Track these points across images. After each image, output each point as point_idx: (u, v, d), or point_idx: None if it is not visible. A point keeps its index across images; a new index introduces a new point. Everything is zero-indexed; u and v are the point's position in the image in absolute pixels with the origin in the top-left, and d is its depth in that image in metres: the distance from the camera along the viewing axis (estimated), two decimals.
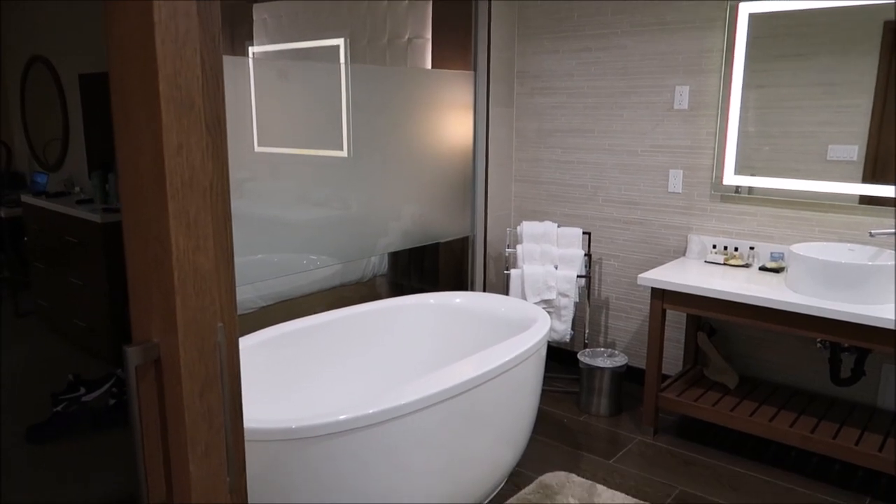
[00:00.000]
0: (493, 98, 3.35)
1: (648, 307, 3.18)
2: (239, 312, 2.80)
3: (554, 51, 3.29)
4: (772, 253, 2.78)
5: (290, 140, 2.72)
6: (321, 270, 3.20)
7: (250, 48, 3.39)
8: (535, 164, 3.45)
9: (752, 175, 2.79)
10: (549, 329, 2.39)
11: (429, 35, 3.49)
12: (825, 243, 2.57)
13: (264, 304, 3.07)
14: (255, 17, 3.59)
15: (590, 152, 3.26)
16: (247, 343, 2.20)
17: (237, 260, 2.57)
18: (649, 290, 2.68)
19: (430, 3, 3.44)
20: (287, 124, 2.68)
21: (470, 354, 2.73)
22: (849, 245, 2.55)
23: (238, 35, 3.36)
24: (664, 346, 2.84)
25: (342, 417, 1.68)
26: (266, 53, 3.47)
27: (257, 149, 2.70)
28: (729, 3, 2.74)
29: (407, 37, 3.50)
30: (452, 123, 3.29)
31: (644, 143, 3.08)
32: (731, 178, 2.85)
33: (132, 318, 0.66)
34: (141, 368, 0.64)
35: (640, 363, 3.26)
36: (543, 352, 2.39)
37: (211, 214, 0.65)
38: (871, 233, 2.40)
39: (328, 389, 2.48)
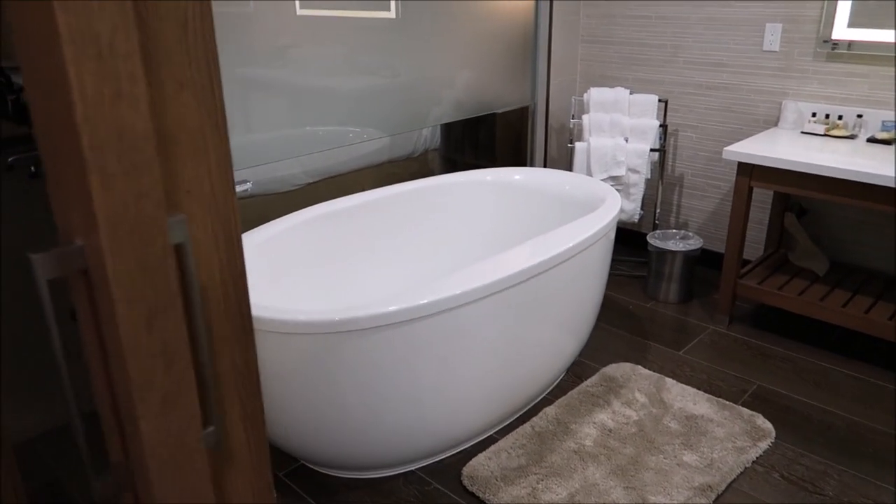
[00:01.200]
0: None
1: (730, 185, 2.85)
2: (283, 189, 2.63)
3: None
4: (884, 122, 2.38)
5: (333, 1, 2.43)
6: (368, 145, 2.97)
7: None
8: (607, 21, 3.03)
9: (870, 28, 2.34)
10: (618, 210, 2.13)
11: None
12: None
13: (310, 181, 2.88)
14: None
15: (671, 4, 2.81)
16: (287, 224, 2.03)
17: (280, 133, 2.35)
18: (733, 166, 2.36)
19: None
20: None
21: (530, 237, 2.50)
22: None
23: None
24: (746, 228, 2.55)
25: (392, 308, 1.51)
26: None
27: (299, 12, 2.42)
28: None
29: None
30: None
31: None
32: (842, 30, 2.40)
33: (53, 208, 0.45)
34: (71, 283, 0.45)
35: (715, 246, 2.98)
36: (612, 235, 2.15)
37: (149, 39, 0.42)
38: None
39: (375, 274, 2.32)
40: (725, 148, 2.30)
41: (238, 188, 1.60)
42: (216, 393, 0.51)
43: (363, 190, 2.95)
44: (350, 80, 2.57)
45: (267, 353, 1.52)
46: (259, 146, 2.31)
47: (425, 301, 1.54)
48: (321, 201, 2.64)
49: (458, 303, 1.60)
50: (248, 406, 0.56)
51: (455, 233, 2.50)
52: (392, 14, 2.70)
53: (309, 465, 1.83)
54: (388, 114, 2.68)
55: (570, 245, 1.86)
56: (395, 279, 2.38)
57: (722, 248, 2.96)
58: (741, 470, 1.79)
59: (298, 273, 2.07)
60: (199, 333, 0.47)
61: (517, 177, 2.51)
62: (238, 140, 2.21)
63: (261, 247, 1.91)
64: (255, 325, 1.48)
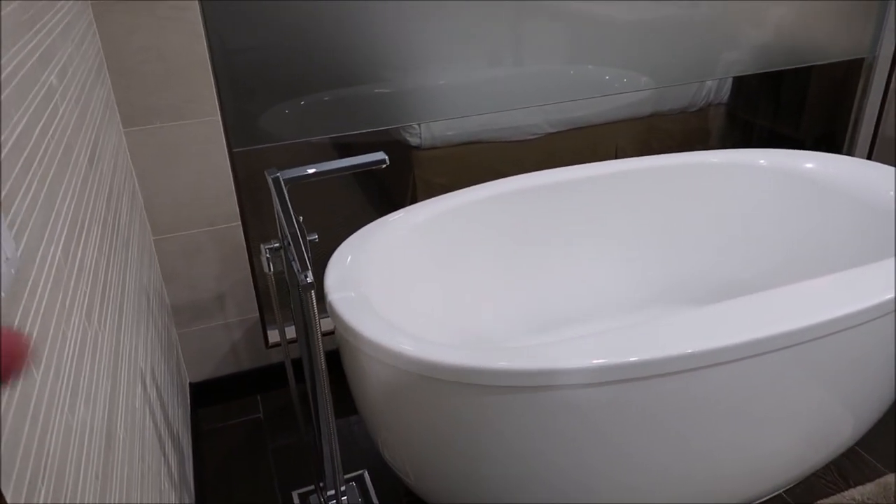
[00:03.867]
0: None
1: None
2: (518, 137, 2.22)
3: None
4: None
5: None
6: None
7: None
8: None
9: None
10: None
11: None
12: None
13: (552, 130, 2.41)
14: None
15: None
16: (462, 200, 1.62)
17: (516, 71, 1.93)
18: None
19: None
20: None
21: (808, 262, 1.76)
22: None
23: None
24: None
25: (595, 363, 1.04)
26: None
27: None
28: None
29: None
30: None
31: None
32: None
33: None
34: None
35: None
36: None
37: None
38: None
39: (569, 279, 1.81)
40: None
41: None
42: None
43: (616, 148, 2.39)
44: (630, 6, 2.02)
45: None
46: (493, 88, 1.91)
47: (640, 358, 1.04)
48: (564, 154, 2.16)
49: (692, 365, 1.06)
50: None
51: (691, 238, 1.86)
52: None
53: None
54: (667, 55, 2.07)
55: (872, 304, 1.16)
56: (595, 291, 1.85)
57: None
58: None
59: (467, 270, 1.67)
60: None
61: (809, 165, 1.74)
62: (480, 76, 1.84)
63: (422, 229, 1.55)
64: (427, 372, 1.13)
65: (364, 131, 1.76)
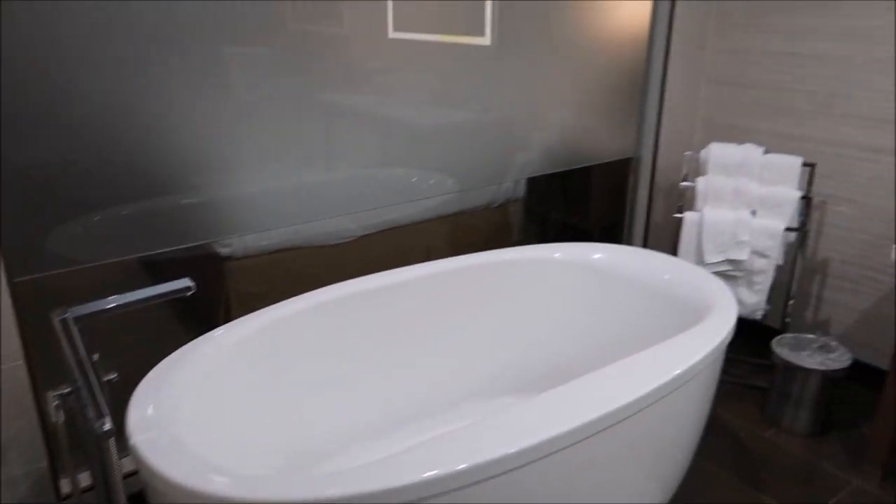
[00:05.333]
0: None
1: (892, 280, 2.14)
2: (329, 242, 2.23)
3: None
4: None
5: (427, 24, 2.07)
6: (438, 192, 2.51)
7: None
8: (741, 58, 2.40)
9: None
10: (733, 323, 1.53)
11: None
12: None
13: (364, 233, 2.45)
14: None
15: (828, 38, 2.15)
16: (280, 313, 1.59)
17: (327, 177, 1.95)
18: None
19: None
20: (425, 3, 2.03)
21: (603, 345, 1.94)
22: None
23: None
24: None
25: (424, 476, 1.02)
26: None
27: (392, 34, 2.06)
28: None
29: None
30: None
31: None
32: None
33: None
34: None
35: (869, 357, 2.25)
36: (721, 357, 1.55)
37: None
38: None
39: (386, 387, 1.83)
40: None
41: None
42: None
43: (427, 247, 2.49)
44: (432, 113, 2.16)
45: None
46: (310, 196, 1.91)
47: (452, 469, 1.04)
48: (377, 256, 2.20)
49: (503, 468, 1.09)
50: None
51: (503, 335, 1.98)
52: (487, 40, 2.26)
53: None
54: (469, 159, 2.22)
55: (666, 380, 1.30)
56: (423, 389, 1.89)
57: (879, 362, 2.23)
58: None
59: (289, 384, 1.62)
60: None
61: (597, 256, 1.95)
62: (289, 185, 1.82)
63: (240, 347, 1.48)
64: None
65: (168, 249, 1.67)
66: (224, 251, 1.95)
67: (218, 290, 2.00)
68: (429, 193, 2.27)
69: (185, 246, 1.71)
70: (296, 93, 1.81)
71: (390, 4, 1.95)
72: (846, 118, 2.16)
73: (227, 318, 1.90)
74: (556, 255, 1.95)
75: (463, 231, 2.58)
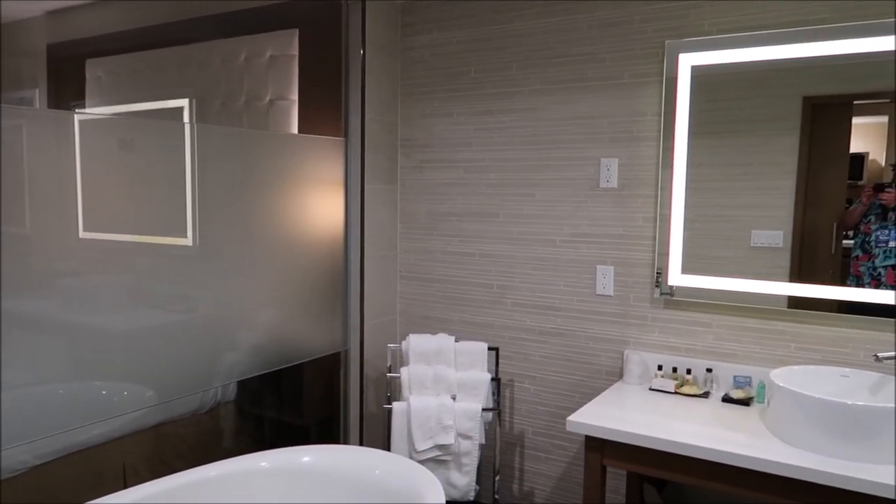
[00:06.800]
0: (371, 172, 2.59)
1: (578, 446, 2.40)
2: None
3: (447, 114, 2.59)
4: (735, 377, 2.09)
5: (123, 224, 1.94)
6: (134, 404, 2.25)
7: (76, 110, 2.54)
8: (426, 257, 2.68)
9: (705, 275, 2.12)
10: None
11: (295, 96, 2.73)
12: (809, 367, 1.90)
13: (39, 463, 2.05)
14: (88, 75, 2.72)
15: (494, 241, 2.52)
16: None
17: (12, 393, 1.64)
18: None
19: (296, 57, 2.70)
20: (120, 202, 1.91)
21: None
22: (841, 370, 1.89)
23: (64, 94, 2.48)
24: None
25: None
26: (98, 115, 2.62)
27: (82, 234, 1.88)
28: (666, 54, 2.14)
29: (268, 98, 2.72)
30: (322, 203, 2.49)
31: (563, 230, 2.38)
32: (677, 277, 2.17)
33: None
34: None
35: None
36: None
37: None
38: (877, 356, 1.75)
39: None
40: (569, 418, 1.86)
41: None
42: None
43: (125, 466, 2.16)
44: (128, 317, 1.97)
45: None
46: None
47: None
48: (62, 485, 1.87)
49: None
50: None
51: None
52: (188, 241, 2.20)
53: None
54: (170, 365, 2.05)
55: None
56: None
57: None
58: None
59: None
60: None
61: (306, 459, 1.88)
62: None
63: None
64: None
65: None
66: None
67: None
68: (123, 407, 2.04)
69: None
70: None
71: (80, 204, 1.84)
72: (517, 307, 2.50)
73: None
74: (263, 463, 1.84)
75: (169, 443, 2.33)
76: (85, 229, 1.96)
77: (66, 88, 2.41)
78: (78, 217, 1.87)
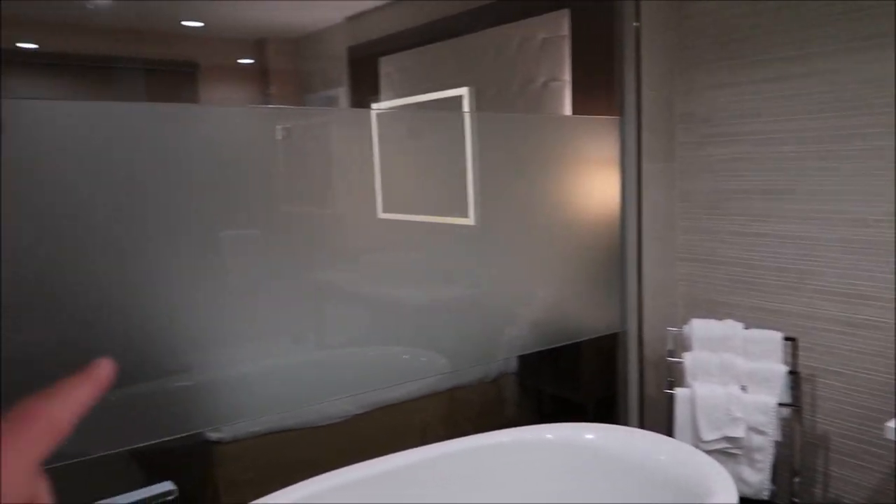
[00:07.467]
0: (647, 150, 2.52)
1: None
2: (322, 423, 2.19)
3: (731, 83, 2.40)
4: None
5: (414, 205, 2.21)
6: (431, 370, 2.53)
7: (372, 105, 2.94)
8: (708, 237, 2.54)
9: None
10: None
11: (568, 76, 2.77)
12: None
13: (359, 412, 2.42)
14: (381, 72, 3.12)
15: (790, 221, 2.29)
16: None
17: (319, 356, 1.99)
18: None
19: (567, 37, 2.73)
20: (410, 186, 2.18)
21: None
22: None
23: (363, 90, 2.89)
24: None
25: None
26: (390, 108, 3.02)
27: (381, 215, 2.19)
28: None
29: (541, 81, 2.81)
30: (597, 183, 2.51)
31: (877, 207, 2.07)
32: None
33: None
34: None
35: None
36: None
37: None
38: None
39: None
40: (887, 423, 1.63)
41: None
42: None
43: (423, 423, 2.45)
44: (422, 291, 2.23)
45: None
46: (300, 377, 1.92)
47: None
48: (373, 434, 2.13)
49: None
50: None
51: None
52: (471, 220, 2.40)
53: None
54: (458, 336, 2.27)
55: None
56: None
57: None
58: None
59: None
60: None
61: (589, 436, 1.92)
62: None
63: None
64: None
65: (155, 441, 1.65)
66: (213, 435, 1.92)
67: (207, 479, 1.94)
68: (422, 372, 2.28)
69: (172, 437, 1.69)
70: (288, 273, 1.89)
71: (378, 188, 2.10)
72: (818, 294, 2.24)
73: None
74: (548, 435, 1.93)
75: (459, 407, 2.56)
76: (383, 210, 2.23)
77: (364, 85, 2.76)
78: (377, 200, 2.12)
